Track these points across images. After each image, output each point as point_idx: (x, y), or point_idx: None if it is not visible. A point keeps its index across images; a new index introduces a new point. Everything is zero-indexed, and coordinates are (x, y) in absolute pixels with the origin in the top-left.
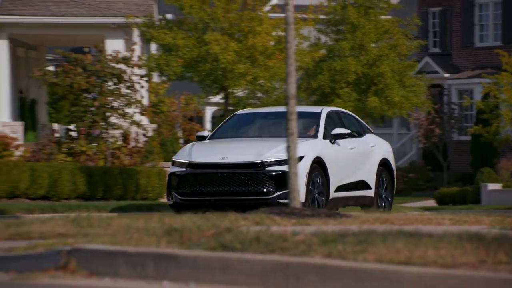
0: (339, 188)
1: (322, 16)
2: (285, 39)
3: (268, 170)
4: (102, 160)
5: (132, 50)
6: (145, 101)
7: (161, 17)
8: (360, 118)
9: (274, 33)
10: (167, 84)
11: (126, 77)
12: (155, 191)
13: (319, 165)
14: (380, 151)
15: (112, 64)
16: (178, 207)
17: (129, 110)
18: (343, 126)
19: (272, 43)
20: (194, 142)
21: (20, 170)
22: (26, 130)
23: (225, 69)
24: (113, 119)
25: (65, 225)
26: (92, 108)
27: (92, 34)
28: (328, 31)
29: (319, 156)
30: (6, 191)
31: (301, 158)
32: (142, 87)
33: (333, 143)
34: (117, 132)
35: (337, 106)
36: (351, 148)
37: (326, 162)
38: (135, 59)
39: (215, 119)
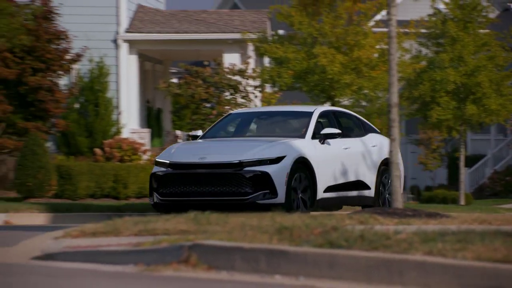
0: (330, 189)
1: (423, 30)
2: (388, 51)
3: (246, 170)
4: None
5: (247, 63)
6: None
7: (273, 33)
8: (458, 125)
9: (378, 46)
10: (279, 94)
11: (241, 88)
12: None
13: (303, 165)
14: (383, 151)
15: (229, 76)
16: (159, 208)
17: None
18: (339, 126)
19: (376, 55)
20: (182, 142)
21: (147, 173)
22: (153, 136)
23: (332, 79)
24: None
25: (186, 223)
26: (211, 116)
27: (211, 49)
28: (428, 44)
29: (304, 156)
30: (135, 191)
31: (281, 158)
32: (256, 96)
33: (323, 143)
34: None
35: (435, 113)
36: (346, 148)
37: (313, 162)
38: (249, 71)
39: None
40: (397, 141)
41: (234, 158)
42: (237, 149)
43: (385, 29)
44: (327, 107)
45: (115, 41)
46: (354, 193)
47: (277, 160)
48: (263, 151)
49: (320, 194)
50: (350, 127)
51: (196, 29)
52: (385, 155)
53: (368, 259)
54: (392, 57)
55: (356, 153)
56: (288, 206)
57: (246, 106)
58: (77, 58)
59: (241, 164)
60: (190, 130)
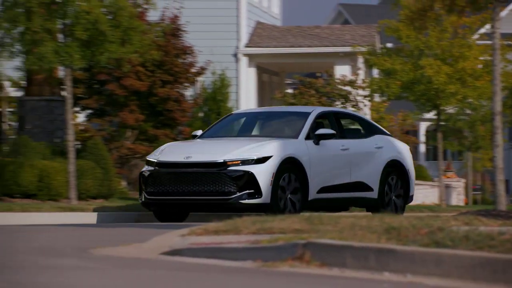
0: (325, 189)
1: None
2: (491, 63)
3: (230, 170)
4: None
5: (357, 75)
6: (368, 118)
7: (382, 46)
8: None
9: (481, 58)
10: (387, 103)
11: (351, 98)
12: None
13: (293, 165)
14: (388, 152)
15: (340, 87)
16: (147, 206)
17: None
18: (339, 127)
19: (480, 66)
20: (175, 142)
21: None
22: None
23: (438, 89)
24: None
25: (300, 222)
26: None
27: (323, 62)
28: None
29: (293, 156)
30: None
31: (267, 158)
32: (365, 105)
33: (317, 144)
34: None
35: None
36: (344, 149)
37: (304, 162)
38: (359, 82)
39: (429, 133)
40: (500, 147)
41: (218, 157)
42: (223, 149)
43: (489, 42)
44: (328, 108)
45: (235, 55)
46: (353, 194)
47: (263, 160)
48: (248, 151)
49: (313, 195)
50: (353, 129)
51: (310, 43)
52: (391, 156)
53: (473, 258)
54: (496, 68)
55: (356, 154)
56: (274, 207)
57: None
58: (202, 71)
59: (225, 164)
60: None
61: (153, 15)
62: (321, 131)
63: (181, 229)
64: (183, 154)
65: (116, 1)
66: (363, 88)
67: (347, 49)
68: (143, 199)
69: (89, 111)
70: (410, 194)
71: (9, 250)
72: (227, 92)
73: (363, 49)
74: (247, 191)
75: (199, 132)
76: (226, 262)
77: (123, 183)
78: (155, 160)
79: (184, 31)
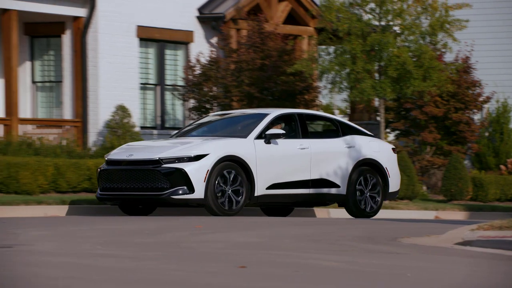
0: (277, 186)
1: None
2: None
3: (163, 167)
4: None
5: None
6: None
7: None
8: None
9: None
10: None
11: None
12: None
13: (236, 163)
14: (361, 151)
15: None
16: (101, 200)
17: None
18: (302, 128)
19: None
20: (135, 141)
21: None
22: None
23: None
24: None
25: None
26: None
27: None
28: None
29: (234, 154)
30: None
31: (202, 156)
32: None
33: (268, 143)
34: None
35: None
36: (303, 148)
37: (248, 160)
38: None
39: None
40: None
41: (155, 155)
42: (163, 148)
43: None
44: (290, 110)
45: None
46: (315, 190)
47: (198, 157)
48: (184, 149)
49: (262, 191)
50: (321, 130)
51: None
52: (365, 155)
53: None
54: None
55: (318, 152)
56: (207, 202)
57: None
58: (487, 99)
59: (159, 161)
60: None
61: (448, 57)
62: (270, 131)
63: (470, 225)
64: (128, 153)
65: (420, 47)
66: None
67: None
68: (97, 195)
69: (397, 131)
70: (390, 191)
71: (335, 236)
72: (509, 116)
73: None
74: (180, 187)
75: (174, 132)
76: (508, 252)
77: (424, 188)
78: (106, 158)
79: (474, 68)
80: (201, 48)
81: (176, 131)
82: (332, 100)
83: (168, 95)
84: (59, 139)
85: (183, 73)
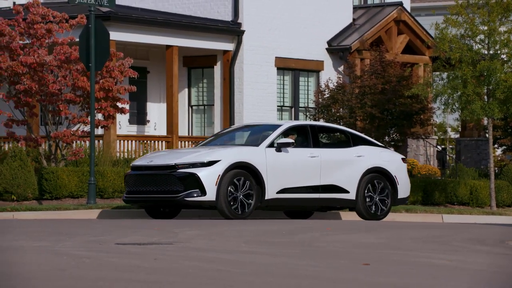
0: (287, 190)
1: None
2: None
3: (178, 172)
4: None
5: None
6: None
7: None
8: None
9: None
10: None
11: None
12: None
13: (247, 169)
14: (370, 160)
15: None
16: (127, 203)
17: None
18: (314, 138)
19: None
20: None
21: None
22: None
23: None
24: None
25: None
26: None
27: None
28: None
29: (245, 160)
30: None
31: (215, 162)
32: None
33: (279, 151)
34: None
35: None
36: (313, 156)
37: (259, 166)
38: None
39: None
40: None
41: (171, 161)
42: (181, 154)
43: None
44: (304, 122)
45: None
46: (325, 195)
47: (210, 163)
48: (198, 156)
49: (272, 195)
50: (332, 140)
51: None
52: (374, 164)
53: None
54: None
55: (329, 160)
56: (219, 204)
57: None
58: None
59: (175, 167)
60: None
61: None
62: (281, 140)
63: None
64: (149, 159)
65: None
66: None
67: None
68: (123, 198)
69: (504, 147)
70: (399, 197)
71: (447, 238)
72: None
73: None
74: (193, 190)
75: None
76: None
77: None
78: (131, 165)
79: None
80: (330, 75)
81: (201, 141)
82: (445, 119)
83: (301, 116)
84: None
85: (314, 97)
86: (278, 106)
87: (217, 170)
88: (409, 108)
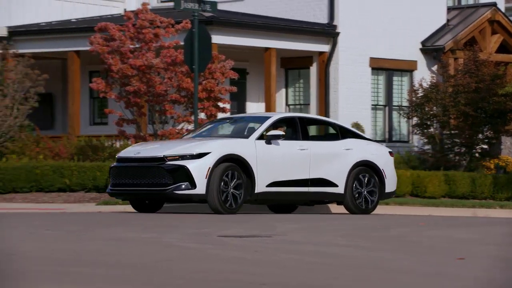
0: (276, 184)
1: None
2: None
3: (167, 164)
4: None
5: None
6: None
7: None
8: None
9: None
10: None
11: None
12: None
13: (237, 162)
14: (358, 153)
15: None
16: (112, 196)
17: None
18: (303, 131)
19: None
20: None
21: None
22: None
23: None
24: None
25: None
26: None
27: None
28: None
29: (235, 153)
30: None
31: (205, 154)
32: None
33: (269, 143)
34: None
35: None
36: (302, 149)
37: (249, 158)
38: None
39: None
40: None
41: (160, 153)
42: (169, 146)
43: None
44: (293, 114)
45: None
46: (314, 189)
47: (199, 156)
48: (188, 148)
49: (262, 188)
50: (326, 134)
51: None
52: (362, 157)
53: None
54: None
55: (318, 153)
56: (208, 198)
57: None
58: None
59: (164, 159)
60: None
61: None
62: (271, 132)
63: None
64: (136, 151)
65: None
66: None
67: None
68: (107, 190)
69: None
70: (386, 191)
71: None
72: None
73: None
74: (182, 183)
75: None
76: None
77: None
78: (116, 156)
79: None
80: (423, 75)
81: (186, 133)
82: None
83: (394, 114)
84: None
85: (407, 96)
86: (372, 105)
87: (207, 162)
88: (503, 106)
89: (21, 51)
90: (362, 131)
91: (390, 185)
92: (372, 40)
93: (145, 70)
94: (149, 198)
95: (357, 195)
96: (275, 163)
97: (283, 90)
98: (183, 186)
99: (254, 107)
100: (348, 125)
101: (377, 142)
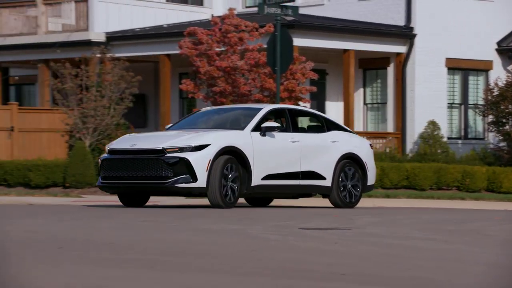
0: (271, 177)
1: None
2: None
3: (167, 156)
4: None
5: None
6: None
7: None
8: None
9: None
10: None
11: None
12: None
13: (234, 154)
14: (344, 146)
15: None
16: (102, 189)
17: None
18: (293, 123)
19: None
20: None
21: None
22: None
23: None
24: None
25: None
26: None
27: None
28: None
29: (233, 145)
30: None
31: (205, 146)
32: None
33: (264, 135)
34: None
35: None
36: (294, 141)
37: (246, 150)
38: None
39: None
40: None
41: (158, 145)
42: (166, 138)
43: None
44: (282, 105)
45: None
46: (304, 182)
47: (200, 147)
48: (188, 139)
49: (258, 181)
50: (309, 124)
51: None
52: (347, 150)
53: None
54: None
55: (307, 146)
56: (209, 191)
57: None
58: None
59: (163, 151)
60: None
61: None
62: (266, 124)
63: None
64: (130, 142)
65: None
66: None
67: None
68: (97, 184)
69: None
70: (368, 184)
71: None
72: None
73: None
74: (183, 176)
75: (169, 126)
76: None
77: None
78: (108, 148)
79: None
80: (499, 74)
81: (171, 124)
82: None
83: (470, 112)
84: (383, 147)
85: (483, 94)
86: (448, 103)
87: (208, 154)
88: None
89: (117, 55)
90: (438, 129)
91: (371, 178)
92: (448, 41)
93: (230, 71)
94: (147, 191)
95: (342, 188)
96: (270, 155)
97: (361, 89)
98: (183, 179)
99: (333, 106)
100: (331, 117)
101: (356, 135)
